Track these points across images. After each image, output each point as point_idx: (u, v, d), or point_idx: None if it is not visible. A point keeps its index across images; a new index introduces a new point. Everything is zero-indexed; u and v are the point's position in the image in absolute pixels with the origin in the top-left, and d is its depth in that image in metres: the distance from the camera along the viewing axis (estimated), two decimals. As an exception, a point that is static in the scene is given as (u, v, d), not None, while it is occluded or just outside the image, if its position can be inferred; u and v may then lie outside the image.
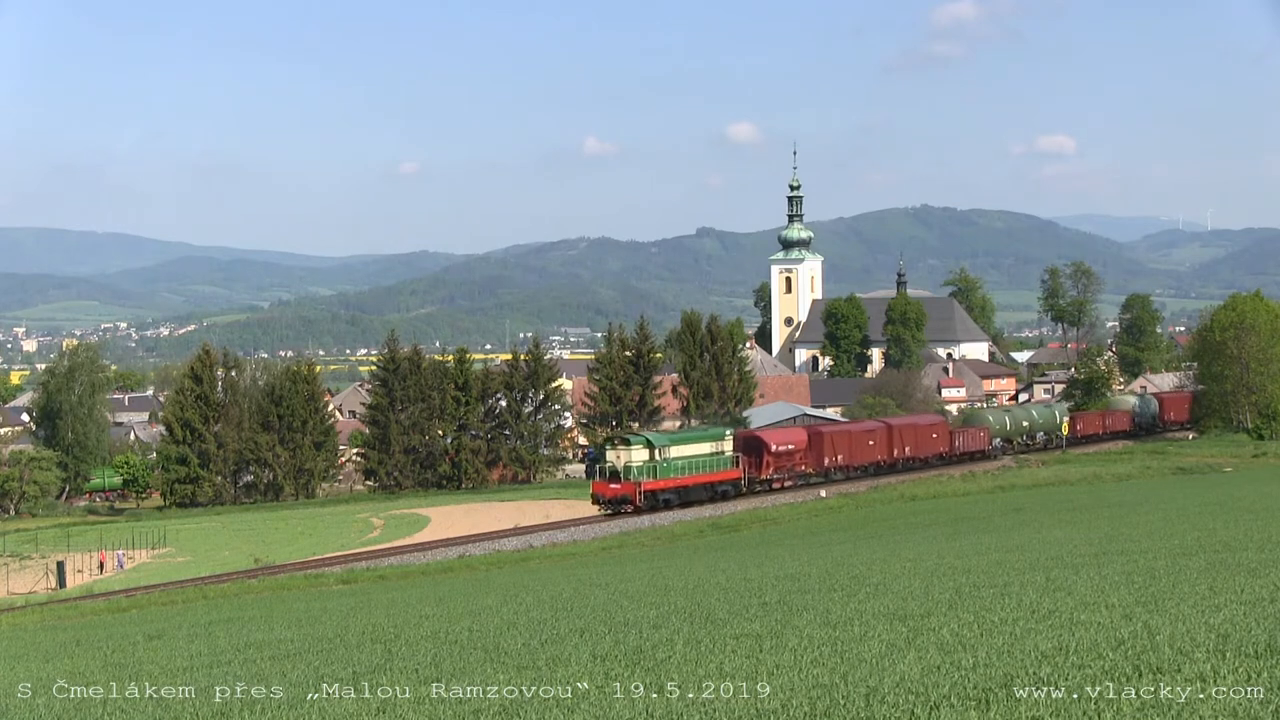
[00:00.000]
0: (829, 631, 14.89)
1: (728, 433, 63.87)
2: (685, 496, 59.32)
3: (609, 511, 57.56)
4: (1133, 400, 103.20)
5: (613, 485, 57.36)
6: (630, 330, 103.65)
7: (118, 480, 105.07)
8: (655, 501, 57.64)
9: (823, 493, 65.77)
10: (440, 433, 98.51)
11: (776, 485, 65.68)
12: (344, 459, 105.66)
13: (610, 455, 58.74)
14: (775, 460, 64.72)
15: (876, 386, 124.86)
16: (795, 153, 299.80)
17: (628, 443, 58.49)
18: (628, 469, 57.25)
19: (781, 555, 32.23)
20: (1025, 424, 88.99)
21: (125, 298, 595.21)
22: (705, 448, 61.08)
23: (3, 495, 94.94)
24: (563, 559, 43.27)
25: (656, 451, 58.23)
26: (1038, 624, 14.01)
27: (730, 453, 62.16)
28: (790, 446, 65.81)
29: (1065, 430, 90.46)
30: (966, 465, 76.38)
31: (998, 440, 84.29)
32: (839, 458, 69.15)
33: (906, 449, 74.38)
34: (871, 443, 71.76)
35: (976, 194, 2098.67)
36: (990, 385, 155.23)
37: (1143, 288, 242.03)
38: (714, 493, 60.81)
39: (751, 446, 64.34)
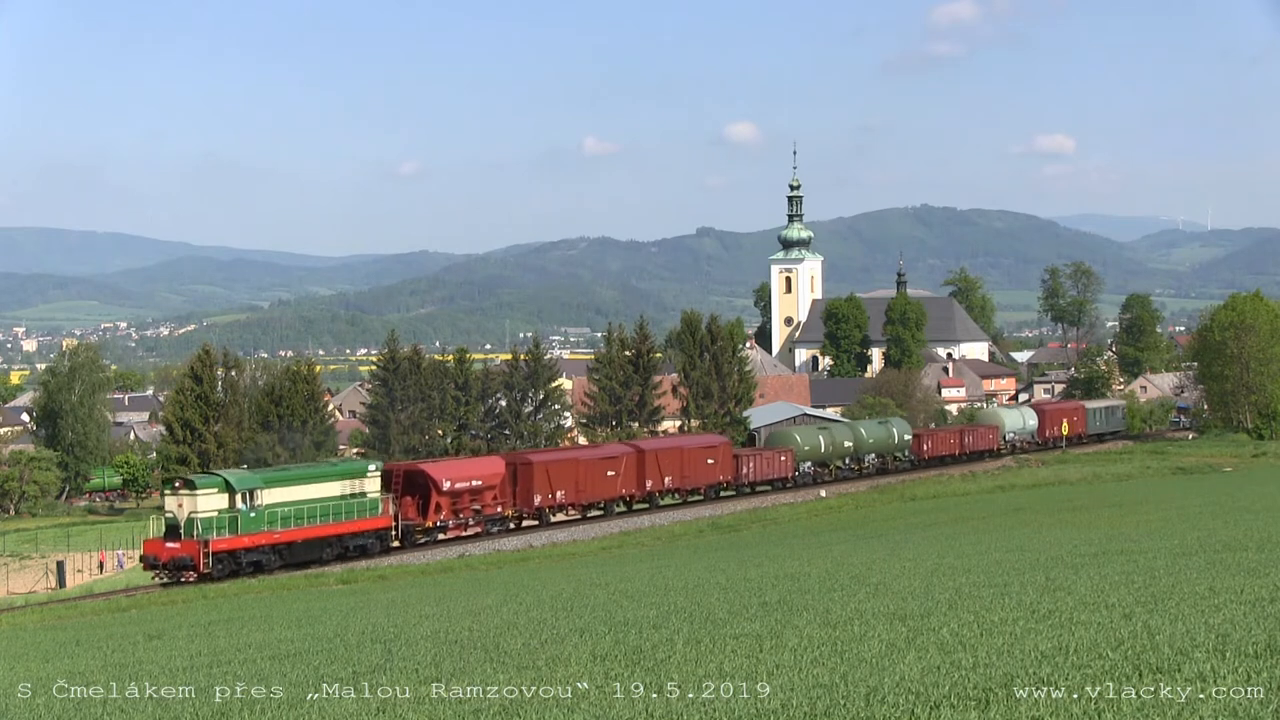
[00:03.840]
0: (829, 631, 14.90)
1: (371, 467, 49.26)
2: (292, 556, 44.82)
3: (166, 581, 42.73)
4: (1004, 414, 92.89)
5: (169, 544, 42.44)
6: (630, 330, 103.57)
7: (118, 480, 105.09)
8: (236, 565, 43.09)
9: (823, 492, 65.95)
10: (440, 432, 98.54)
11: (455, 533, 51.66)
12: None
13: (170, 503, 43.52)
14: (450, 501, 50.72)
15: (876, 386, 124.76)
16: (795, 153, 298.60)
17: (193, 485, 43.27)
18: (191, 522, 42.35)
19: (781, 555, 32.26)
20: (848, 444, 74.19)
21: (125, 298, 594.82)
22: (330, 488, 46.53)
23: (3, 495, 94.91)
24: (563, 559, 43.30)
25: (239, 497, 43.22)
26: (1038, 624, 14.02)
27: (375, 493, 47.88)
28: (475, 483, 51.89)
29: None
30: (755, 499, 64.70)
31: (806, 464, 70.87)
32: (558, 494, 55.56)
33: (666, 479, 61.16)
34: (612, 473, 58.34)
35: (976, 194, 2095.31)
36: (990, 385, 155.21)
37: (1143, 288, 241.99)
38: (344, 548, 46.72)
39: (414, 484, 50.11)
